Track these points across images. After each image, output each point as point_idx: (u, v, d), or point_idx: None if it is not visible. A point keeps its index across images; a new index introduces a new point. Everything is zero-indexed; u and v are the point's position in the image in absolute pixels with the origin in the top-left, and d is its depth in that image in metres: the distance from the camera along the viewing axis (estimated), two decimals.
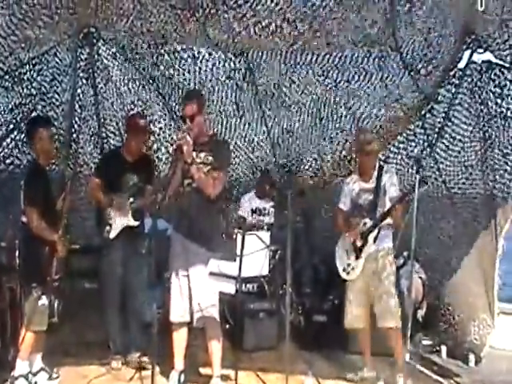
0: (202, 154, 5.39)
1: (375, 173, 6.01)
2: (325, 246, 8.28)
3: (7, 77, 6.80)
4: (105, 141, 8.38)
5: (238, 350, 5.93)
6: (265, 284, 7.41)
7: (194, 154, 5.26)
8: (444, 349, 7.02)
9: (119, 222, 6.13)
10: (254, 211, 8.33)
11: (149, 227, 6.17)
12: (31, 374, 5.56)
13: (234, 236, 5.21)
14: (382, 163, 6.16)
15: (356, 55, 6.93)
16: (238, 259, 4.91)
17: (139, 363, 6.03)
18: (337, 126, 7.94)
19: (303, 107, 7.84)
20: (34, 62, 6.97)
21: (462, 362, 6.77)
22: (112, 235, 6.13)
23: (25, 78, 7.01)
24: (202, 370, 6.03)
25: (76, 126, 7.98)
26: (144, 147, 6.59)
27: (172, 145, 7.68)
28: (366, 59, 6.93)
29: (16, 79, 6.91)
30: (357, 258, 5.95)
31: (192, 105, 5.36)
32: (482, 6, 5.10)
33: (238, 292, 5.15)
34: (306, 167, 8.66)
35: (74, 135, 7.99)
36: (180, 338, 5.64)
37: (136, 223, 6.17)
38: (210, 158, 5.39)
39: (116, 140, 8.34)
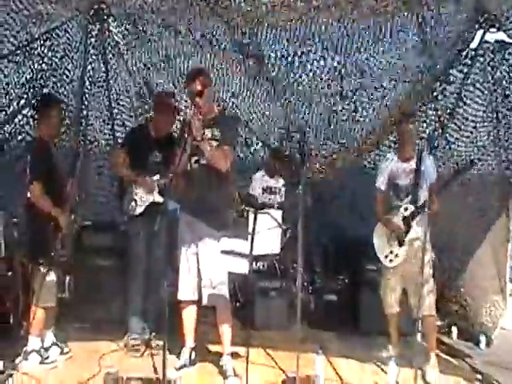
0: (211, 130, 5.35)
1: (415, 154, 5.86)
2: (335, 224, 8.31)
3: (18, 52, 6.75)
4: (116, 117, 8.29)
5: (248, 328, 5.92)
6: (275, 262, 7.41)
7: (203, 130, 5.22)
8: (455, 330, 7.02)
9: (145, 198, 6.12)
10: (264, 190, 8.28)
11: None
12: (43, 349, 5.59)
13: (246, 214, 5.18)
14: (422, 145, 6.04)
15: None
16: (249, 237, 4.88)
17: (150, 340, 6.04)
18: (354, 104, 7.77)
19: (317, 86, 7.71)
20: (45, 37, 6.91)
21: (473, 343, 6.77)
22: (137, 211, 6.12)
23: (36, 53, 6.95)
24: (212, 348, 6.07)
25: (86, 102, 7.91)
26: (171, 126, 6.53)
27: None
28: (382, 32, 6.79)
29: (27, 54, 6.86)
30: (400, 244, 5.84)
31: (197, 81, 5.30)
32: None
33: (250, 271, 5.12)
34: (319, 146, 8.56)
35: (84, 112, 7.92)
36: (189, 316, 5.64)
37: (162, 199, 6.08)
38: (218, 133, 5.35)
39: (127, 115, 8.29)
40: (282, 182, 8.43)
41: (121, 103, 8.28)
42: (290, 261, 7.57)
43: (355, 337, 6.78)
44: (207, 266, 5.38)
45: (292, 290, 7.09)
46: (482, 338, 6.71)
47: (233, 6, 6.51)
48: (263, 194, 8.24)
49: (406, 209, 5.80)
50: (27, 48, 6.81)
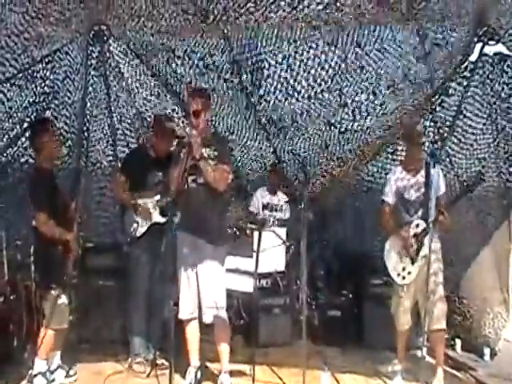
0: (207, 150, 5.40)
1: (422, 168, 5.83)
2: (338, 240, 8.33)
3: (20, 75, 6.80)
4: (121, 138, 8.34)
5: (252, 346, 5.93)
6: (278, 279, 7.41)
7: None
8: (459, 342, 7.02)
9: (147, 219, 6.15)
10: (265, 206, 8.30)
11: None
12: (49, 372, 5.59)
13: (248, 232, 5.21)
14: (428, 158, 5.84)
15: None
16: (254, 255, 4.90)
17: (155, 360, 6.03)
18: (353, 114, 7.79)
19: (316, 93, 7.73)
20: (46, 59, 6.96)
21: (477, 355, 6.76)
22: (139, 233, 6.15)
23: (38, 76, 7.01)
24: (211, 365, 6.06)
25: (88, 124, 7.96)
26: (170, 147, 6.57)
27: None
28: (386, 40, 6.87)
29: (29, 77, 6.91)
30: (413, 262, 5.80)
31: (198, 101, 5.39)
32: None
33: (255, 289, 5.13)
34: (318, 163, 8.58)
35: (86, 133, 7.96)
36: (192, 334, 5.66)
37: (163, 219, 6.14)
38: (213, 152, 5.41)
39: (130, 136, 8.34)
40: (284, 198, 8.44)
41: (123, 124, 8.32)
42: (293, 277, 7.57)
43: (360, 352, 6.79)
44: (206, 283, 5.43)
45: (295, 307, 7.08)
46: (486, 350, 6.71)
47: (231, 25, 6.58)
48: (263, 210, 8.26)
49: (417, 225, 5.78)
50: (29, 71, 6.86)
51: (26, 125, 7.13)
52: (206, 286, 5.42)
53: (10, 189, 7.24)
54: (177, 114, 8.09)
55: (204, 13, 6.29)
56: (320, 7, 5.96)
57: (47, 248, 5.46)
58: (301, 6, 5.96)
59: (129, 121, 8.35)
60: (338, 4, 5.88)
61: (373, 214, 7.54)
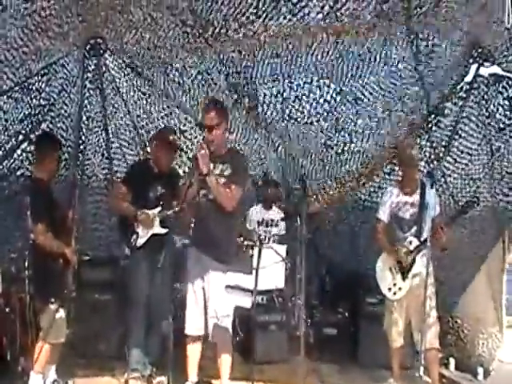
0: (220, 166, 5.34)
1: (418, 187, 5.94)
2: (334, 258, 8.33)
3: (17, 88, 6.79)
4: (115, 151, 8.33)
5: (249, 363, 5.91)
6: (274, 296, 7.40)
7: (212, 165, 5.20)
8: (452, 361, 7.03)
9: (146, 230, 6.14)
10: (260, 223, 8.27)
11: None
12: None
13: (245, 248, 5.18)
14: (424, 178, 6.04)
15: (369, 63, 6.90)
16: (254, 272, 4.90)
17: (151, 375, 6.01)
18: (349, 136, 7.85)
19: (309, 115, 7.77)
20: (42, 72, 6.96)
21: (471, 374, 6.77)
22: (139, 243, 6.13)
23: (34, 88, 6.99)
24: (212, 381, 6.03)
25: (83, 137, 7.95)
26: (172, 161, 6.61)
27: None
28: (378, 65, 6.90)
29: (26, 90, 6.90)
30: (404, 278, 5.84)
31: (210, 115, 5.29)
32: (509, 22, 5.07)
33: (253, 305, 5.12)
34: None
35: (82, 146, 7.95)
36: (194, 351, 5.60)
37: (164, 231, 6.16)
38: (228, 170, 5.34)
39: (126, 150, 8.34)
40: (279, 213, 8.42)
41: (120, 137, 8.32)
42: (289, 294, 7.54)
43: (356, 370, 6.81)
44: (213, 299, 5.36)
45: (291, 324, 7.05)
46: (480, 370, 6.72)
47: (229, 41, 6.59)
48: (259, 226, 8.23)
49: (410, 242, 5.83)
50: (26, 84, 6.85)
51: (21, 137, 7.12)
52: (213, 302, 5.37)
53: (5, 202, 7.20)
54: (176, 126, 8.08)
55: (204, 23, 6.28)
56: (320, 16, 5.96)
57: (45, 261, 5.44)
58: (301, 14, 5.94)
59: (126, 134, 8.34)
60: (338, 14, 5.89)
61: (369, 232, 7.61)
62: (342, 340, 7.12)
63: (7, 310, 6.36)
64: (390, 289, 5.94)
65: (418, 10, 5.88)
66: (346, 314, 7.22)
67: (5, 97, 6.73)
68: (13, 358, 6.14)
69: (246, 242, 6.79)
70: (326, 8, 5.77)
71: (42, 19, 6.02)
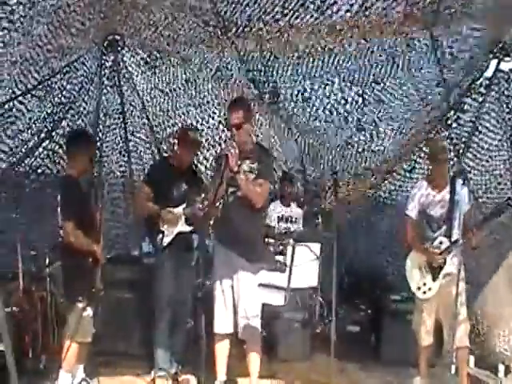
0: (247, 163, 5.32)
1: (448, 185, 5.82)
2: (358, 255, 8.32)
3: (41, 86, 6.79)
4: (132, 149, 8.32)
5: (272, 360, 5.90)
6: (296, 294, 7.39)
7: (239, 162, 5.18)
8: (472, 358, 6.99)
9: (172, 228, 6.11)
10: (280, 219, 8.26)
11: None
12: None
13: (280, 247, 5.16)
14: (454, 175, 5.91)
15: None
16: (288, 270, 4.89)
17: (177, 373, 6.00)
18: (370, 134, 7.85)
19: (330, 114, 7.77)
20: (64, 70, 6.98)
21: (492, 372, 6.75)
22: (165, 242, 6.10)
23: (56, 86, 7.03)
24: (239, 380, 6.01)
25: (101, 134, 7.94)
26: (193, 158, 6.60)
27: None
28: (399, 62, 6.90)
29: (48, 88, 6.92)
30: (434, 279, 5.75)
31: (238, 113, 5.27)
32: None
33: (286, 304, 5.11)
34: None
35: (100, 144, 7.93)
36: (223, 349, 5.58)
37: (189, 228, 6.14)
38: (255, 166, 5.32)
39: (144, 147, 8.36)
40: (298, 210, 8.42)
41: (137, 135, 8.32)
42: (311, 292, 7.52)
43: (378, 367, 6.78)
44: (243, 297, 5.34)
45: (314, 321, 7.05)
46: (501, 367, 6.68)
47: (251, 37, 6.58)
48: (279, 223, 8.23)
49: (440, 242, 5.73)
50: (48, 82, 6.86)
51: (43, 135, 7.12)
52: (243, 301, 5.35)
53: (26, 200, 7.19)
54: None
55: (227, 24, 6.27)
56: (348, 14, 5.95)
57: (74, 259, 5.37)
58: (329, 12, 5.94)
59: (142, 132, 8.33)
60: (367, 12, 5.88)
61: (390, 229, 7.59)
62: (365, 337, 7.09)
63: (28, 308, 6.33)
64: (419, 288, 5.85)
65: (445, 15, 5.87)
66: (369, 312, 7.19)
67: (29, 95, 6.71)
68: (35, 356, 6.13)
69: (266, 240, 6.77)
70: (356, 7, 5.74)
71: (66, 16, 6.04)
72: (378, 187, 8.37)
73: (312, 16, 6.03)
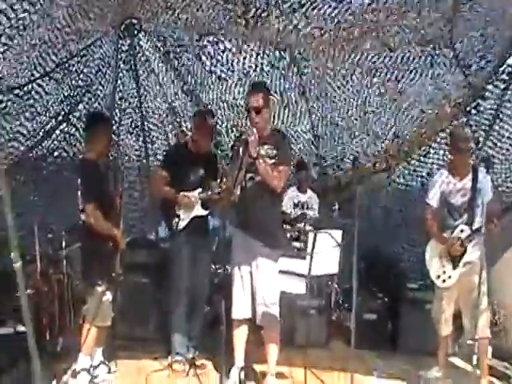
0: (266, 147, 5.25)
1: (469, 173, 5.73)
2: (373, 242, 8.27)
3: (58, 69, 6.76)
4: (148, 133, 8.29)
5: (289, 347, 5.88)
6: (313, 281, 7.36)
7: (258, 147, 5.10)
8: (490, 349, 6.96)
9: (188, 212, 6.09)
10: (296, 205, 8.22)
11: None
12: (92, 368, 5.51)
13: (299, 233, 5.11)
14: (476, 164, 5.87)
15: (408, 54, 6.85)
16: (308, 257, 4.85)
17: (194, 359, 6.00)
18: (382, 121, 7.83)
19: (348, 102, 7.75)
20: (82, 53, 6.96)
21: (509, 363, 6.72)
22: (181, 226, 6.09)
23: (73, 69, 7.02)
24: (256, 367, 5.99)
25: (117, 117, 7.92)
26: (211, 143, 6.55)
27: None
28: (416, 57, 6.86)
29: (66, 71, 6.91)
30: (454, 267, 5.68)
31: (258, 97, 5.21)
32: None
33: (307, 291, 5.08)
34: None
35: (115, 127, 7.91)
36: (241, 335, 5.57)
37: (205, 212, 6.14)
38: (273, 151, 5.25)
39: (158, 132, 8.31)
40: (314, 196, 8.38)
41: (149, 121, 8.30)
42: (326, 279, 7.49)
43: (395, 356, 6.73)
44: (262, 284, 5.31)
45: (330, 308, 7.02)
46: None
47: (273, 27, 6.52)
48: (295, 209, 8.19)
49: (461, 230, 5.66)
50: (66, 65, 6.85)
51: (60, 118, 7.10)
52: (261, 287, 5.32)
53: (43, 183, 7.18)
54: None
55: (246, 3, 6.20)
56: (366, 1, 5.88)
57: (94, 243, 5.34)
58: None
59: (156, 116, 8.30)
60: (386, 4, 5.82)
61: (405, 215, 7.53)
62: (382, 326, 7.04)
63: (45, 290, 6.33)
64: (439, 276, 5.79)
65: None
66: (386, 300, 7.14)
67: (47, 78, 6.68)
68: (52, 339, 6.15)
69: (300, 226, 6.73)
70: None
71: None
72: (391, 172, 8.27)
73: (330, 6, 5.97)
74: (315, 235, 4.90)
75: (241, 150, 5.07)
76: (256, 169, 5.14)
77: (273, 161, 5.22)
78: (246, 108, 5.35)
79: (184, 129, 8.08)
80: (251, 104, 5.23)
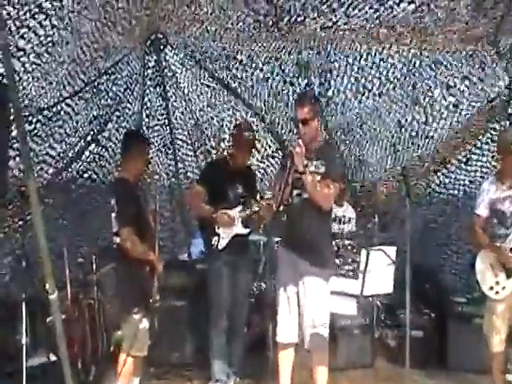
0: (314, 162, 4.99)
1: None
2: (417, 255, 8.01)
3: (87, 87, 6.59)
4: (177, 151, 8.12)
5: (331, 367, 5.62)
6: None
7: (306, 161, 4.86)
8: None
9: (228, 231, 5.88)
10: (333, 220, 7.95)
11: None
12: None
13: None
14: None
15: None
16: (361, 276, 4.61)
17: None
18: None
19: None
20: (110, 71, 6.83)
21: None
22: (221, 245, 5.88)
23: (102, 88, 6.86)
24: None
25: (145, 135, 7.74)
26: (250, 157, 6.35)
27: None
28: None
29: (95, 90, 6.74)
30: (508, 276, 5.44)
31: (304, 108, 4.96)
32: None
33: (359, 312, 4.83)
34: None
35: None
36: (287, 359, 5.27)
37: (246, 231, 5.96)
38: (323, 166, 4.99)
39: (187, 149, 8.16)
40: (351, 210, 8.15)
41: (177, 138, 8.15)
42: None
43: (444, 374, 6.47)
44: (310, 305, 5.03)
45: (373, 327, 6.75)
46: None
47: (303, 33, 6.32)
48: (332, 223, 7.92)
49: None
50: (95, 83, 6.69)
51: (89, 139, 6.94)
52: (309, 309, 5.04)
53: (72, 206, 7.01)
54: None
55: (279, 12, 6.01)
56: (411, 7, 5.67)
57: (129, 268, 5.12)
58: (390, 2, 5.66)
59: (185, 133, 8.12)
60: (432, 5, 5.59)
61: (448, 227, 7.27)
62: (429, 343, 6.78)
63: (76, 315, 6.16)
64: (491, 288, 5.53)
65: None
66: (433, 315, 6.88)
67: (76, 97, 6.51)
68: (84, 366, 5.96)
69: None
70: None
71: (113, 12, 5.84)
72: (428, 179, 8.01)
73: (371, 7, 5.76)
74: (368, 253, 4.64)
75: (288, 163, 4.83)
76: (303, 185, 4.89)
77: (320, 177, 4.96)
78: (293, 119, 5.12)
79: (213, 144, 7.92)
80: (299, 116, 4.99)
